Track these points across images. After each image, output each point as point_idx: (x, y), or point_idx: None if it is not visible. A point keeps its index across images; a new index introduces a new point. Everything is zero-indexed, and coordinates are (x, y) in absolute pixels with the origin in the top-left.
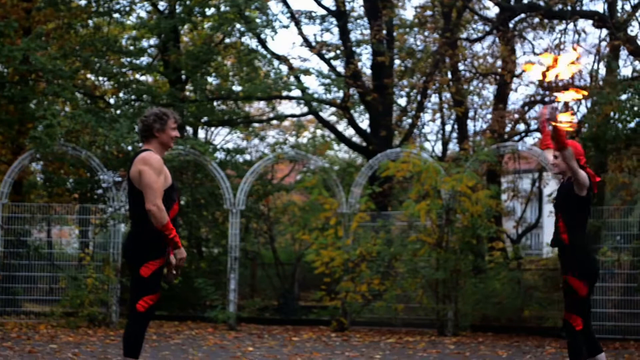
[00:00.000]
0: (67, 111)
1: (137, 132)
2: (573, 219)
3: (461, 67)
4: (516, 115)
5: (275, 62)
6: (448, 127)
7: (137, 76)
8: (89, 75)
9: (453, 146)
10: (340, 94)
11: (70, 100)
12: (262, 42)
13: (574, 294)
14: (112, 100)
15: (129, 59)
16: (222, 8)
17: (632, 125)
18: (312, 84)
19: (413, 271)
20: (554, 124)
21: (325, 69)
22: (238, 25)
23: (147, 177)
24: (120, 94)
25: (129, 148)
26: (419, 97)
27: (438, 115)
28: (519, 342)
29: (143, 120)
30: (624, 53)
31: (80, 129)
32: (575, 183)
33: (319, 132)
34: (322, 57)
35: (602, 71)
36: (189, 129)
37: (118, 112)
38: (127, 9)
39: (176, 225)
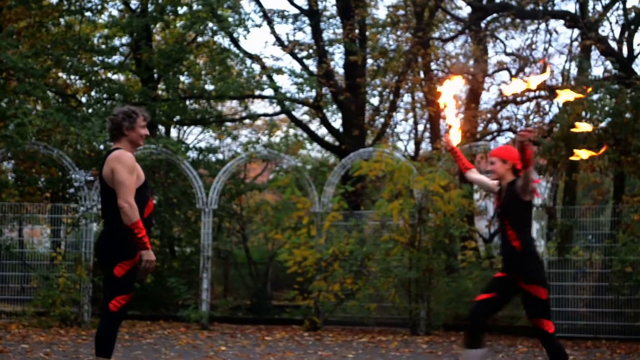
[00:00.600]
0: (39, 110)
1: (107, 130)
2: (522, 224)
3: (433, 66)
4: (488, 115)
5: (248, 61)
6: (420, 127)
7: (109, 75)
8: (60, 74)
9: (425, 145)
10: (313, 93)
11: (41, 99)
12: (235, 41)
13: (536, 300)
14: (83, 99)
15: (100, 58)
16: (195, 7)
17: (603, 124)
18: (285, 83)
19: (386, 270)
20: (526, 145)
21: (297, 68)
22: (210, 24)
23: (119, 175)
24: (92, 93)
25: (101, 147)
26: (391, 97)
27: (410, 114)
28: (491, 341)
29: (112, 119)
30: (595, 53)
31: (52, 127)
32: (523, 189)
33: (291, 131)
34: (294, 56)
35: (574, 71)
36: (161, 128)
37: (90, 110)
38: (99, 7)
39: (150, 223)
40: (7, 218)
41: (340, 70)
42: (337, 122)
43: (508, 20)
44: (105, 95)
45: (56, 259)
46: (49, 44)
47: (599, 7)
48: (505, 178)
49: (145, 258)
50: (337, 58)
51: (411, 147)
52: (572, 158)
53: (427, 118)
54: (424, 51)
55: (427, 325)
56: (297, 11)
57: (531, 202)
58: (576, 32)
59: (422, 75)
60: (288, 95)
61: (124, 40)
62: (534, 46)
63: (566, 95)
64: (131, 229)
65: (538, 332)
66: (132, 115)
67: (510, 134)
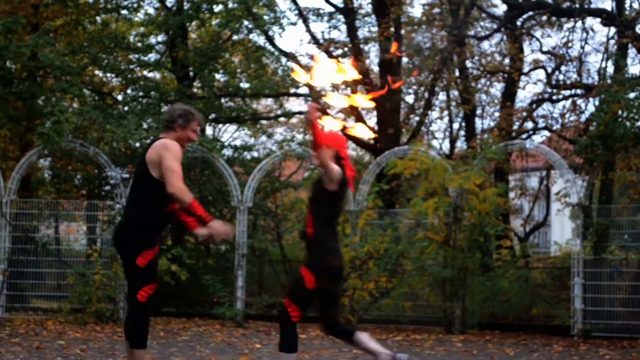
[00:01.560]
0: (75, 107)
1: (161, 120)
2: (320, 213)
3: (469, 64)
4: (524, 113)
5: (283, 59)
6: (456, 125)
7: (145, 73)
8: (97, 72)
9: (461, 144)
10: (348, 91)
11: (78, 97)
12: (270, 39)
13: (301, 283)
14: (120, 97)
15: (136, 56)
16: (230, 5)
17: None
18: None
19: (420, 269)
20: (314, 122)
21: None
22: (246, 22)
23: (167, 162)
24: (128, 91)
25: (137, 144)
26: (426, 95)
27: (446, 113)
28: (527, 340)
29: (170, 111)
30: (632, 51)
31: (88, 125)
32: (327, 177)
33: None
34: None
35: (610, 69)
36: None
37: (126, 108)
38: (135, 5)
39: (172, 217)
40: (44, 215)
41: (376, 69)
42: (372, 120)
43: (544, 18)
44: (141, 93)
45: (92, 256)
46: (85, 42)
47: (635, 5)
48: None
49: (215, 228)
50: (372, 56)
51: (446, 146)
52: None
53: (462, 116)
54: (459, 49)
55: (462, 324)
56: (332, 9)
57: (336, 193)
58: (613, 30)
59: (457, 73)
60: (323, 93)
61: (160, 38)
62: (570, 44)
63: (340, 100)
64: (188, 210)
65: (282, 313)
66: (189, 116)
67: (546, 133)
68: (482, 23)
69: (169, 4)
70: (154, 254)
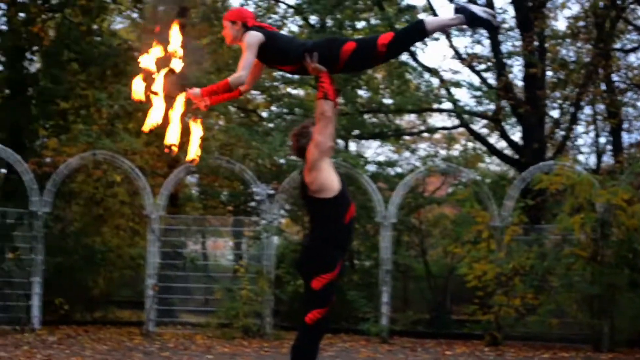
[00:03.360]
0: (221, 125)
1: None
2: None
3: (615, 78)
4: None
5: (426, 75)
6: (602, 139)
7: (289, 89)
8: None
9: (607, 158)
10: (492, 106)
11: (224, 114)
12: (413, 55)
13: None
14: (264, 114)
15: (280, 73)
16: (373, 21)
17: None
18: (463, 96)
19: (567, 285)
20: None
21: (476, 81)
22: None
23: (309, 154)
24: (273, 108)
25: (282, 161)
26: (572, 109)
27: (592, 127)
28: None
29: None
30: None
31: (234, 142)
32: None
33: (470, 144)
34: (473, 69)
35: None
36: (341, 142)
37: (271, 125)
38: (279, 23)
39: (352, 229)
40: (192, 231)
41: (520, 83)
42: (516, 135)
43: None
44: (285, 110)
45: (238, 271)
46: (230, 60)
47: None
48: None
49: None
50: (516, 70)
51: (592, 160)
52: None
53: (609, 130)
54: (605, 62)
55: (610, 342)
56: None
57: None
58: None
59: (603, 87)
60: (467, 108)
61: None
62: None
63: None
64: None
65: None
66: (303, 132)
67: None
68: (628, 36)
69: (312, 21)
70: (330, 278)
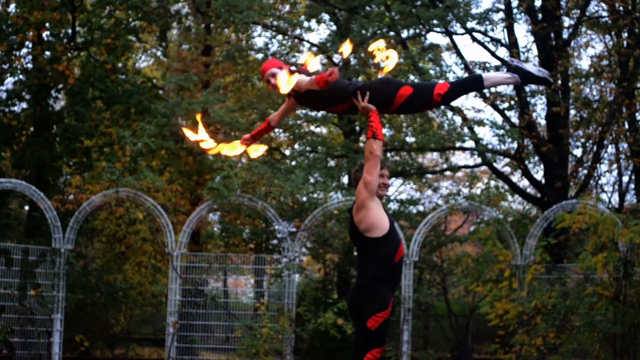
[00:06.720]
0: (244, 163)
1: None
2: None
3: (639, 117)
4: None
5: (449, 113)
6: (625, 178)
7: (312, 128)
8: None
9: (630, 197)
10: (515, 144)
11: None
12: None
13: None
14: (287, 152)
15: (304, 111)
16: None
17: None
18: (486, 134)
19: (590, 325)
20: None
21: (499, 119)
22: (412, 77)
23: (358, 193)
24: (296, 146)
25: (304, 199)
26: (595, 148)
27: (615, 166)
28: None
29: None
30: None
31: (257, 180)
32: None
33: (492, 183)
34: (495, 107)
35: None
36: None
37: (293, 163)
38: (303, 62)
39: (401, 269)
40: (213, 268)
41: (542, 122)
42: (539, 173)
43: None
44: (308, 148)
45: (259, 309)
46: (254, 99)
47: None
48: None
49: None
50: (539, 109)
51: (615, 199)
52: None
53: (632, 169)
54: (629, 101)
55: None
56: (498, 63)
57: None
58: None
59: (626, 125)
60: (489, 147)
61: None
62: None
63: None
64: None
65: None
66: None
67: None
68: None
69: (335, 60)
70: (385, 316)
